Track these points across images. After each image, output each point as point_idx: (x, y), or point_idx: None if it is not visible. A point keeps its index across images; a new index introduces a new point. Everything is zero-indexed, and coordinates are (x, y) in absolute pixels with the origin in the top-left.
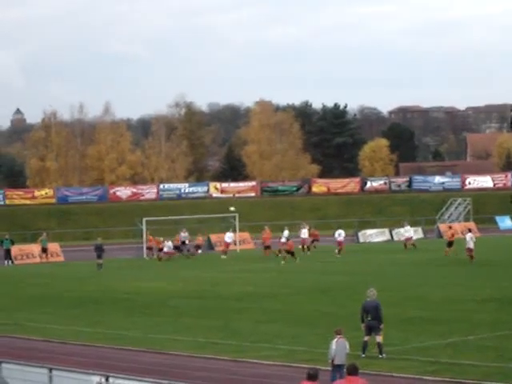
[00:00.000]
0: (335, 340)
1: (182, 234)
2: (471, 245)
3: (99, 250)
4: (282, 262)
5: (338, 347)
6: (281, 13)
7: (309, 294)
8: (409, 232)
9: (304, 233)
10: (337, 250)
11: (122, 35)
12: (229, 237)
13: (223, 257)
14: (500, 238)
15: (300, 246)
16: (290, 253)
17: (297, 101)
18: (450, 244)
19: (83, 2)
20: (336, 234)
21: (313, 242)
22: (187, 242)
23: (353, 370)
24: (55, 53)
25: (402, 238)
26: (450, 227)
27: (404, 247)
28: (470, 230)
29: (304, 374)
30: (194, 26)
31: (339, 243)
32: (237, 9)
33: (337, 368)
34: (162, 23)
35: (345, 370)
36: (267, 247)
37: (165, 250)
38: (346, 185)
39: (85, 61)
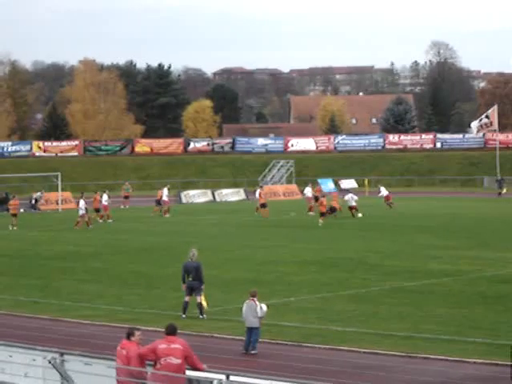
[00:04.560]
0: (246, 301)
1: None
2: (353, 203)
3: None
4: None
5: (248, 309)
6: None
7: (131, 254)
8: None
9: (105, 198)
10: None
11: None
12: (166, 195)
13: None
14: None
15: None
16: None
17: (121, 60)
18: (263, 205)
19: None
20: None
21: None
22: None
23: (171, 330)
24: None
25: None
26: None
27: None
28: (348, 191)
29: (124, 334)
30: None
31: (165, 202)
32: None
33: (248, 331)
34: None
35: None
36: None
37: None
38: (169, 145)
39: None
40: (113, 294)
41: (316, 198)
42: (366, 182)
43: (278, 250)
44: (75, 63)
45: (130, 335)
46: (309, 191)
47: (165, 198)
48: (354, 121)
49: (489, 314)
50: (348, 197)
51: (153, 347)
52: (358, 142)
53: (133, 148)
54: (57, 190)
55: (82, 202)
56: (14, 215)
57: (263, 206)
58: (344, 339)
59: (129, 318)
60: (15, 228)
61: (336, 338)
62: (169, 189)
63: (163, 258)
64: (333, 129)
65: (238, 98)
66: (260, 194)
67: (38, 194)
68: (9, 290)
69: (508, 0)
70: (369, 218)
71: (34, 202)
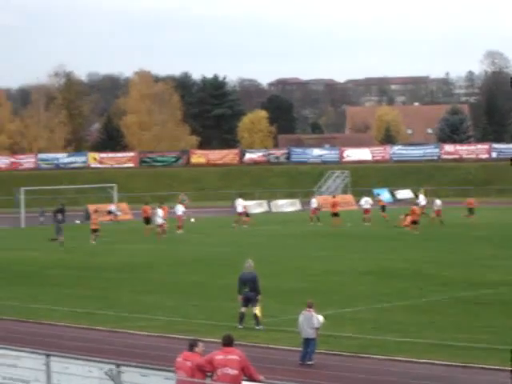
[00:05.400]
0: (303, 312)
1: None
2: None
3: None
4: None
5: (304, 321)
6: None
7: (187, 264)
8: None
9: (179, 209)
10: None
11: None
12: (240, 205)
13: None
14: (378, 210)
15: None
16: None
17: (177, 71)
18: (336, 214)
19: None
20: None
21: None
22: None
23: (228, 341)
24: None
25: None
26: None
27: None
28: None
29: (183, 345)
30: None
31: (240, 213)
32: None
33: (304, 341)
34: None
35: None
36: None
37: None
38: (225, 156)
39: None
40: (170, 304)
41: (383, 208)
42: (423, 192)
43: (335, 261)
44: (130, 74)
45: (193, 346)
46: (367, 202)
47: (239, 209)
48: (409, 131)
49: None
50: (437, 204)
51: (210, 358)
52: (414, 152)
53: (188, 159)
54: (112, 202)
55: (160, 212)
56: (95, 230)
57: (336, 214)
58: (400, 349)
59: (186, 329)
60: (93, 242)
61: (392, 349)
62: (244, 199)
63: (220, 268)
64: (388, 139)
65: (293, 108)
66: (335, 204)
67: (113, 207)
68: (67, 302)
69: None
70: (424, 228)
71: (109, 212)
